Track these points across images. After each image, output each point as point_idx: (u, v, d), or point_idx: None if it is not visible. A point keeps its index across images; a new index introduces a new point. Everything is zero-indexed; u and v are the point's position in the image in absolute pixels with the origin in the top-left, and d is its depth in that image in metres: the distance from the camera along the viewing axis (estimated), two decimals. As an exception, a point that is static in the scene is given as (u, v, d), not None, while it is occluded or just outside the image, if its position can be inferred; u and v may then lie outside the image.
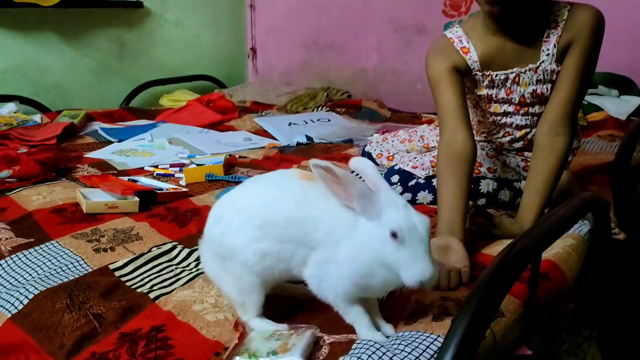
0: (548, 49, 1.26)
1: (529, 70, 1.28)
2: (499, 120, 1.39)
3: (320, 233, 0.83)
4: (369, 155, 1.77)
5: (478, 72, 1.31)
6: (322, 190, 0.83)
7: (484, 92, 1.34)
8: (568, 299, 1.06)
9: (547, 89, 1.29)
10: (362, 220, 0.80)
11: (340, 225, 0.82)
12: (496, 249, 1.17)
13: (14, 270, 1.11)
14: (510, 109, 1.36)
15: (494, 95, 1.34)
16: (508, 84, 1.31)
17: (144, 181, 1.65)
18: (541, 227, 0.89)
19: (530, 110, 1.34)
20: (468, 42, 1.29)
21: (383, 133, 1.93)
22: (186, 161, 1.91)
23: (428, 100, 2.85)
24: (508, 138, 1.42)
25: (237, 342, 0.81)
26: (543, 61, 1.27)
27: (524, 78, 1.30)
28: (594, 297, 1.18)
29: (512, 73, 1.30)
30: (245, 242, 0.86)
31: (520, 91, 1.31)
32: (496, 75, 1.31)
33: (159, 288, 1.03)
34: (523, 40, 1.27)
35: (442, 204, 1.20)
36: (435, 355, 0.74)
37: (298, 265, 0.86)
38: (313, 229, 0.83)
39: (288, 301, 0.98)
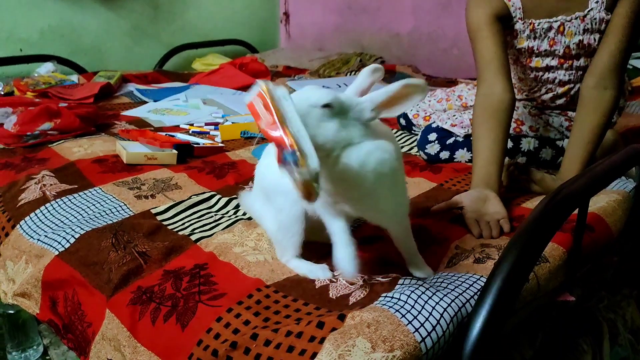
0: None
1: (576, 18, 1.22)
2: (541, 76, 1.34)
3: None
4: (404, 116, 1.75)
5: (519, 20, 1.26)
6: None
7: (524, 44, 1.29)
8: (612, 253, 1.04)
9: (594, 39, 1.23)
10: None
11: None
12: (536, 203, 1.15)
13: (59, 212, 1.14)
14: (553, 62, 1.31)
15: (535, 48, 1.29)
16: (551, 34, 1.26)
17: (181, 136, 1.67)
18: (590, 172, 0.86)
19: (575, 63, 1.29)
20: None
21: (419, 94, 1.90)
22: (220, 120, 1.91)
23: (464, 66, 2.82)
24: (550, 95, 1.37)
25: None
26: (592, 8, 1.21)
27: (569, 27, 1.24)
28: (635, 255, 1.15)
29: (556, 22, 1.24)
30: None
31: (565, 42, 1.26)
32: (539, 23, 1.25)
33: (200, 232, 1.04)
34: None
35: (478, 157, 1.17)
36: (479, 292, 0.74)
37: None
38: None
39: (325, 247, 0.98)
